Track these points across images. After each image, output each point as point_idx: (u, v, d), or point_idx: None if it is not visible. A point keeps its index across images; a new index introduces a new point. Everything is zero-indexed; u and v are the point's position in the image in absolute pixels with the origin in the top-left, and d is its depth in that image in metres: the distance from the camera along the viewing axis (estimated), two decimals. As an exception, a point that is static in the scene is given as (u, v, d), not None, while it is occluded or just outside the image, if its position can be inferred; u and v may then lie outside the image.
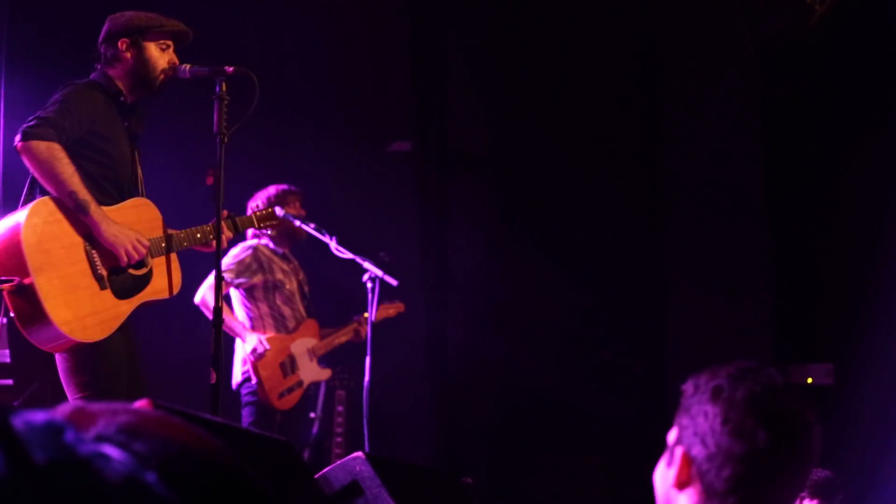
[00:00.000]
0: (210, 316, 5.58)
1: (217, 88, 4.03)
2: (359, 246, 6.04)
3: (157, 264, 4.10)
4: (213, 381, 3.88)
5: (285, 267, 6.05)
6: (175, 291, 4.19)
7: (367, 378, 5.88)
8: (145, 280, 4.05)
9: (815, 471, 3.34)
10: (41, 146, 3.77)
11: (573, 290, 7.31)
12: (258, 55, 6.30)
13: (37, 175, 3.81)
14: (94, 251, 3.88)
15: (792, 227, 6.83)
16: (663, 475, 1.75)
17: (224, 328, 4.09)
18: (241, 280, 5.90)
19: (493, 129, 7.81)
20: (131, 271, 3.99)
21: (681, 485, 1.70)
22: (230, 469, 0.73)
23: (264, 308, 5.96)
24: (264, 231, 6.01)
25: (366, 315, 6.03)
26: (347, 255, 5.93)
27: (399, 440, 7.33)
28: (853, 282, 6.42)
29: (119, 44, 4.09)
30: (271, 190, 6.05)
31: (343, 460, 2.72)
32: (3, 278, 3.68)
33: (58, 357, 3.89)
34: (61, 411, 0.74)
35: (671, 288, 7.17)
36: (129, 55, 4.10)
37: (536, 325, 7.47)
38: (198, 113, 4.57)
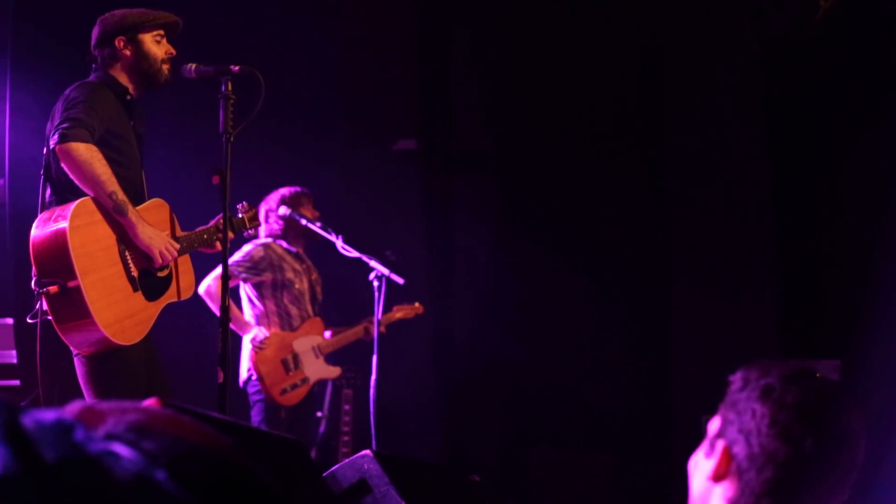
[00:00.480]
0: (212, 306, 5.62)
1: (223, 88, 4.04)
2: (365, 244, 6.05)
3: (172, 266, 4.12)
4: (221, 380, 3.88)
5: (297, 266, 6.05)
6: (189, 294, 4.21)
7: (373, 376, 5.89)
8: (167, 282, 4.08)
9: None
10: (81, 148, 3.78)
11: (578, 288, 7.31)
12: (263, 54, 6.30)
13: (75, 176, 3.81)
14: (126, 252, 3.90)
15: (796, 223, 6.81)
16: (701, 465, 1.71)
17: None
18: (248, 275, 5.90)
19: (498, 128, 7.80)
20: (157, 273, 4.03)
21: (717, 477, 1.67)
22: (239, 467, 0.73)
23: (271, 306, 5.96)
24: (270, 230, 6.06)
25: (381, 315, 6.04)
26: (353, 253, 5.94)
27: (406, 438, 7.34)
28: (859, 277, 6.41)
29: (116, 42, 4.12)
30: (283, 191, 6.06)
31: (351, 458, 2.72)
32: (44, 280, 3.69)
33: (77, 360, 3.89)
34: (70, 410, 0.74)
35: (676, 285, 7.16)
36: (127, 52, 4.13)
37: (542, 323, 7.47)
38: (203, 112, 4.57)
